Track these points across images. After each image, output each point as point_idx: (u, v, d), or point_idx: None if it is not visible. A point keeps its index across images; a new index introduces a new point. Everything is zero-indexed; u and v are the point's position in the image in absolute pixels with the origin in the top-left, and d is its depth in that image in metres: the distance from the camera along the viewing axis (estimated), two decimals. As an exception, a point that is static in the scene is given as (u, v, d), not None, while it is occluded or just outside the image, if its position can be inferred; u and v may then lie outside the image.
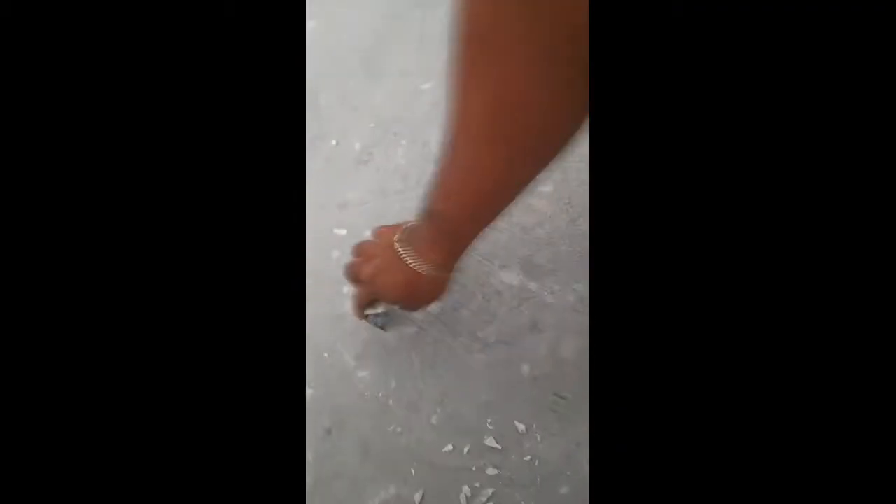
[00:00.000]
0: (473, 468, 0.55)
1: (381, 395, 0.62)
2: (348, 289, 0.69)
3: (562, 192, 0.72)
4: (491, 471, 0.55)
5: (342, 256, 0.72)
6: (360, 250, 0.59)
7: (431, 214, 0.46)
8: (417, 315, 0.66)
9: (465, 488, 0.54)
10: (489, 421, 0.57)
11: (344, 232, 0.75)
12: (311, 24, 0.92)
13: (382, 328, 0.66)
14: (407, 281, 0.51)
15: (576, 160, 0.73)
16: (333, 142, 0.83)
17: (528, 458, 0.55)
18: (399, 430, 0.60)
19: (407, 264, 0.50)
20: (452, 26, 0.31)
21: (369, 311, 0.62)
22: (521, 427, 0.56)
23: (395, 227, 0.54)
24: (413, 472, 0.57)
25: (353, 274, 0.59)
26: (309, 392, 0.65)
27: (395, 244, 0.51)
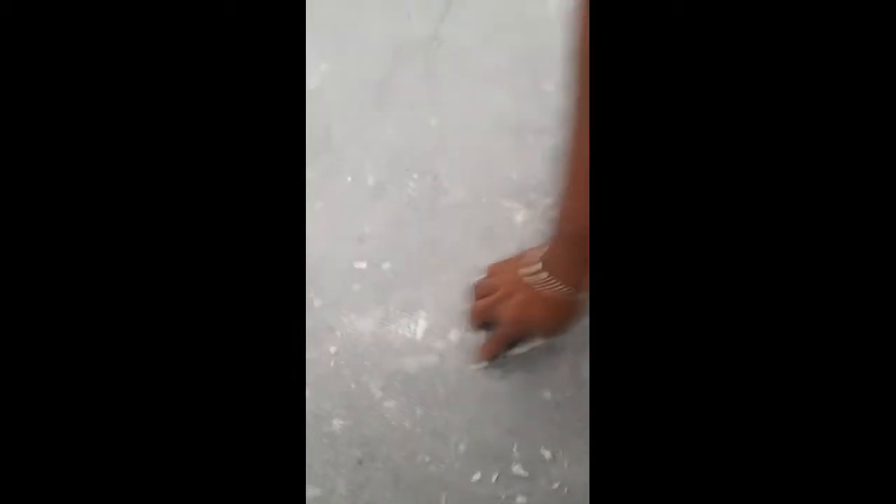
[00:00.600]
0: (503, 496, 0.54)
1: (408, 424, 0.62)
2: (373, 320, 0.69)
3: (571, 216, 0.71)
4: (521, 499, 0.54)
5: (362, 289, 0.72)
6: (486, 289, 0.54)
7: (565, 237, 0.44)
8: (438, 344, 0.66)
9: (497, 516, 0.54)
10: (515, 448, 0.57)
11: (364, 265, 0.75)
12: (323, 67, 0.93)
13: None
14: (558, 308, 0.48)
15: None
16: (349, 178, 0.83)
17: (557, 485, 0.54)
18: (428, 458, 0.59)
19: (553, 291, 0.47)
20: (569, 67, 0.32)
21: (518, 350, 0.58)
22: (548, 454, 0.55)
23: (516, 260, 0.50)
24: (444, 501, 0.56)
25: (490, 316, 0.54)
26: (339, 423, 0.64)
27: (528, 275, 0.48)
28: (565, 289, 0.47)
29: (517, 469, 0.55)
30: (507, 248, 0.72)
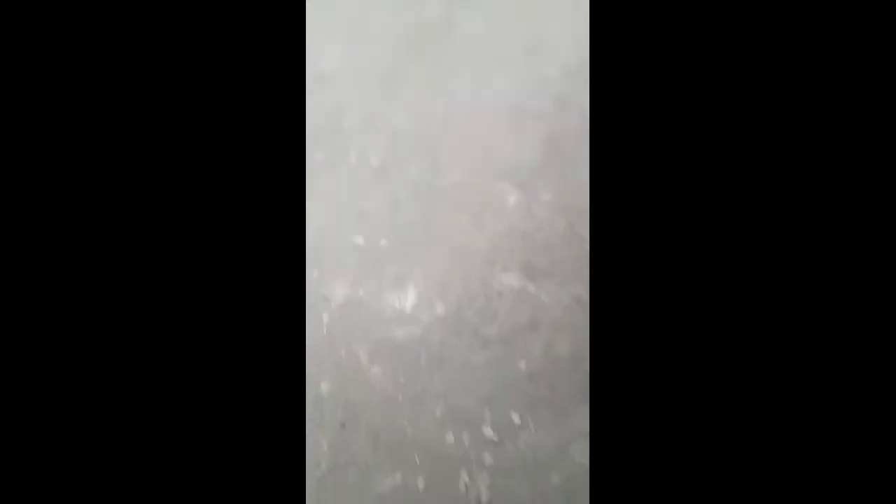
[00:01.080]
0: (473, 458, 0.56)
1: (390, 389, 0.63)
2: (365, 292, 0.71)
3: (559, 200, 0.72)
4: (489, 460, 0.55)
5: (359, 263, 0.74)
6: None
7: None
8: (424, 316, 0.67)
9: (465, 476, 0.55)
10: (488, 414, 0.58)
11: (361, 241, 0.77)
12: (336, 50, 0.95)
13: None
14: None
15: (574, 169, 0.73)
16: (353, 159, 0.85)
17: (523, 448, 0.55)
18: (406, 421, 0.60)
19: None
20: None
21: None
22: (517, 420, 0.56)
23: None
24: (418, 460, 0.57)
25: None
26: (325, 386, 0.66)
27: None
28: None
29: (488, 433, 0.56)
30: (497, 229, 0.73)
